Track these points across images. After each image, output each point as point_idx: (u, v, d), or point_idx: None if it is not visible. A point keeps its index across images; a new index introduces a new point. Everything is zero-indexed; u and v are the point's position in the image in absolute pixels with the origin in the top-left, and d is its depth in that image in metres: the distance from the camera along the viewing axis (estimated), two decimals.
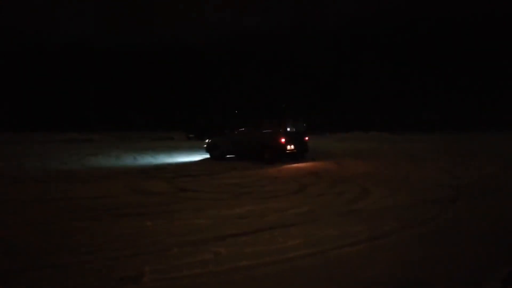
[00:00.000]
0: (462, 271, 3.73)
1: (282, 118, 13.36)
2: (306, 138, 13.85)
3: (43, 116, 36.23)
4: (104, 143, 23.69)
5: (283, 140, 12.68)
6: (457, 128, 27.34)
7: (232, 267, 3.80)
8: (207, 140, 14.66)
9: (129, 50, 42.06)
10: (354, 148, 17.48)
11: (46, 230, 5.11)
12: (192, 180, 9.40)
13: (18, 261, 4.00)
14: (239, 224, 5.30)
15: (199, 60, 42.43)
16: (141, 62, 41.35)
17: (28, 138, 26.28)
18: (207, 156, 14.53)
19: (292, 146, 12.81)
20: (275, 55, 40.24)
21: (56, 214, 6.00)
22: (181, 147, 20.36)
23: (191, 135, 29.38)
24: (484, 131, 28.34)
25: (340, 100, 36.27)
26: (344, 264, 3.87)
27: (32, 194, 7.70)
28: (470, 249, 4.33)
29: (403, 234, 4.86)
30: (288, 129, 13.04)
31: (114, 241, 4.62)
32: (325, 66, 37.38)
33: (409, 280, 3.52)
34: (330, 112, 36.52)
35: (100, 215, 5.92)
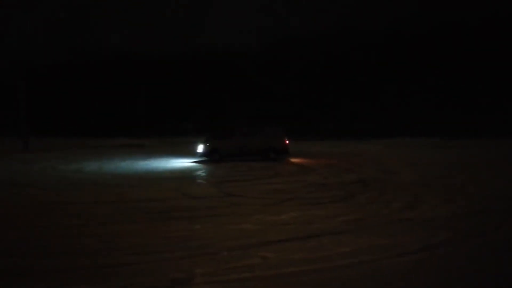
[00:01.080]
0: None
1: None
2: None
3: (96, 122, 38.23)
4: (154, 148, 24.57)
5: (287, 141, 15.51)
6: (503, 134, 25.50)
7: (280, 272, 3.82)
8: (202, 145, 15.47)
9: (176, 57, 43.43)
10: (405, 155, 16.92)
11: (102, 232, 5.38)
12: (237, 185, 9.51)
13: (77, 260, 4.25)
14: (286, 230, 5.31)
15: (242, 65, 42.84)
16: (187, 69, 42.49)
17: (82, 144, 27.86)
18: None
19: None
20: (316, 58, 39.74)
21: (111, 216, 6.31)
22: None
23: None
24: None
25: (386, 104, 35.15)
26: (394, 275, 3.76)
27: (90, 196, 8.17)
28: None
29: (458, 245, 4.64)
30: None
31: (165, 243, 4.79)
32: (368, 68, 36.43)
33: None
34: (370, 116, 35.46)
35: (152, 218, 6.16)
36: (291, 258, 4.19)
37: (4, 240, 5.08)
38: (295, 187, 9.09)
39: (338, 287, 3.52)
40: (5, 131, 36.60)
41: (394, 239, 4.83)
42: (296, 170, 12.41)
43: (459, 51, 32.06)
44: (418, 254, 4.33)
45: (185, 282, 3.64)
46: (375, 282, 3.62)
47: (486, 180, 9.87)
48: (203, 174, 11.85)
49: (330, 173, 11.59)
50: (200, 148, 15.52)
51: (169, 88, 41.31)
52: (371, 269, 3.89)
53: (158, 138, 33.02)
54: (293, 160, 15.83)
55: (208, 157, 15.29)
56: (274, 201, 7.33)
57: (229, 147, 15.31)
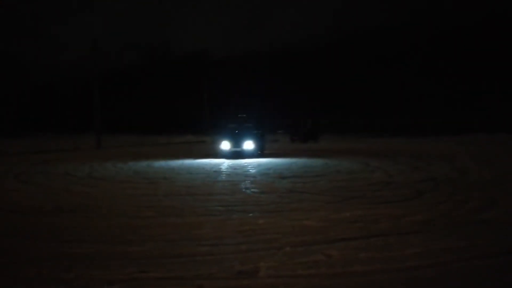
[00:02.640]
0: None
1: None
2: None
3: (165, 120, 40.23)
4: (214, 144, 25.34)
5: None
6: None
7: (345, 271, 3.78)
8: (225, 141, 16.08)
9: (244, 56, 44.34)
10: (479, 153, 15.82)
11: (173, 223, 5.69)
12: (298, 181, 9.51)
13: (153, 249, 4.53)
14: (350, 228, 5.23)
15: (306, 60, 42.52)
16: (252, 67, 43.10)
17: (152, 140, 29.43)
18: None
19: None
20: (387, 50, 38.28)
21: (182, 209, 6.64)
22: (286, 149, 20.72)
23: (294, 137, 29.70)
24: None
25: (459, 100, 32.97)
26: (469, 279, 3.56)
27: (162, 189, 8.67)
28: None
29: None
30: None
31: (231, 236, 4.96)
32: (439, 64, 34.43)
33: None
34: (441, 113, 33.40)
35: (219, 211, 6.39)
36: (356, 257, 4.12)
37: (82, 228, 5.54)
38: (359, 185, 8.89)
39: None
40: (80, 129, 39.79)
41: (468, 241, 4.56)
42: (359, 168, 12.13)
43: None
44: (500, 257, 4.05)
45: (251, 274, 3.74)
46: (449, 286, 3.45)
47: None
48: (261, 170, 11.99)
49: (396, 170, 11.17)
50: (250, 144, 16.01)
51: (233, 87, 42.23)
52: (442, 272, 3.72)
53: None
54: (355, 157, 15.49)
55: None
56: (338, 199, 7.24)
57: None
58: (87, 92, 27.34)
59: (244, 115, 20.17)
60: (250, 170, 11.95)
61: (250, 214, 6.13)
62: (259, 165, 13.56)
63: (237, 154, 15.98)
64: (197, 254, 4.31)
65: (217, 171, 11.99)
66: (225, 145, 16.09)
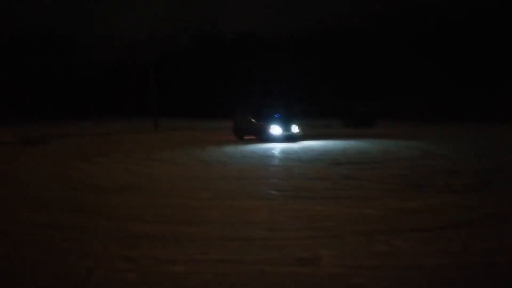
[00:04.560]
0: None
1: None
2: None
3: (218, 103, 40.77)
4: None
5: None
6: None
7: (413, 264, 3.56)
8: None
9: (294, 36, 43.70)
10: None
11: (229, 206, 5.70)
12: (353, 168, 9.20)
13: (212, 230, 4.56)
14: (415, 218, 4.94)
15: (356, 41, 40.98)
16: (301, 48, 42.36)
17: (205, 124, 30.00)
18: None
19: None
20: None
21: (237, 191, 6.66)
22: (339, 135, 20.23)
23: (348, 123, 28.89)
24: None
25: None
26: None
27: (217, 172, 8.78)
28: None
29: None
30: None
31: (290, 221, 4.87)
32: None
33: None
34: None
35: (275, 195, 6.33)
36: (424, 249, 3.87)
37: (143, 207, 5.71)
38: (421, 172, 8.42)
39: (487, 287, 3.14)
40: (137, 112, 41.38)
41: None
42: (419, 154, 11.52)
43: None
44: None
45: (312, 262, 3.64)
46: None
47: None
48: (314, 155, 11.74)
49: (460, 158, 10.48)
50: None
51: (282, 69, 41.74)
52: None
53: None
54: (413, 143, 14.76)
55: None
56: (398, 187, 6.89)
57: None
58: (143, 76, 28.25)
59: (272, 99, 20.49)
60: (303, 155, 11.76)
61: (307, 201, 6.00)
62: (311, 150, 13.33)
63: (287, 138, 15.92)
64: (255, 238, 4.28)
65: (269, 156, 11.93)
66: (276, 129, 16.00)
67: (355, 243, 4.08)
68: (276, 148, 13.98)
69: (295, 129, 16.54)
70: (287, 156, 11.62)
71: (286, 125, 16.31)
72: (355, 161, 10.34)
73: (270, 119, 16.50)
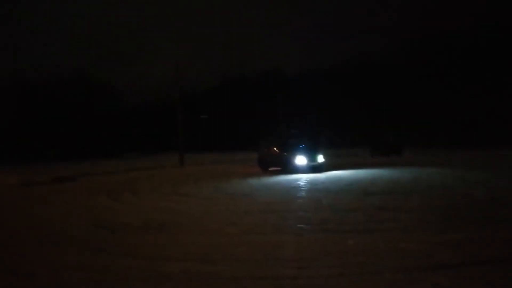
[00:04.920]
0: None
1: None
2: None
3: (244, 138, 41.17)
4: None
5: None
6: None
7: None
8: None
9: (318, 71, 44.32)
10: None
11: (256, 241, 5.46)
12: (385, 198, 8.80)
13: (239, 269, 4.33)
14: (457, 252, 4.55)
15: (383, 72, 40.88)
16: (325, 82, 42.65)
17: (231, 157, 30.05)
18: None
19: None
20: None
21: (263, 226, 6.42)
22: (367, 164, 19.72)
23: (375, 152, 28.27)
24: None
25: None
26: None
27: (243, 206, 8.59)
28: None
29: None
30: None
31: (320, 258, 4.59)
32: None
33: None
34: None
35: (304, 229, 6.06)
36: None
37: (168, 245, 5.54)
38: (459, 202, 7.95)
39: None
40: (165, 149, 42.15)
41: None
42: (455, 183, 10.97)
43: None
44: None
45: None
46: None
47: None
48: (342, 185, 11.38)
49: (498, 186, 9.90)
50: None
51: (306, 104, 41.93)
52: None
53: None
54: (446, 170, 14.16)
55: None
56: (438, 218, 6.48)
57: None
58: (170, 113, 28.93)
59: (297, 130, 20.39)
60: (330, 186, 11.42)
61: (338, 234, 5.69)
62: (339, 179, 12.97)
63: (312, 168, 15.70)
64: (285, 277, 4.02)
65: (295, 187, 11.66)
66: (301, 160, 15.79)
67: (394, 281, 3.76)
68: (302, 179, 13.70)
69: (320, 159, 16.33)
70: (314, 187, 11.32)
71: (311, 155, 16.12)
72: (386, 191, 9.93)
73: (295, 150, 16.35)
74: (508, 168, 14.53)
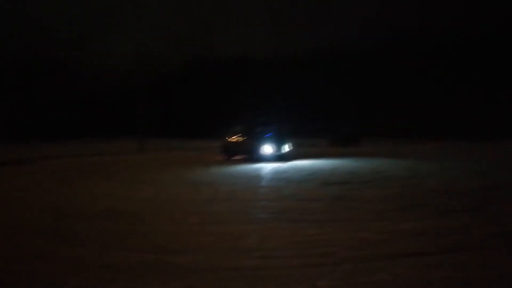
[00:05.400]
0: None
1: None
2: None
3: (207, 124, 40.69)
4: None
5: None
6: None
7: None
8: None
9: (285, 59, 44.33)
10: None
11: (219, 231, 5.37)
12: (344, 188, 8.98)
13: (200, 260, 4.23)
14: (414, 242, 4.69)
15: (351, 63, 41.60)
16: (292, 70, 42.84)
17: (193, 144, 29.63)
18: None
19: None
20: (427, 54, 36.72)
21: (225, 215, 6.34)
22: (327, 154, 20.10)
23: (334, 142, 28.91)
24: None
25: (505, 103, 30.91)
26: None
27: (204, 194, 8.44)
28: None
29: None
30: None
31: (283, 248, 4.57)
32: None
33: None
34: (491, 117, 31.49)
35: (266, 219, 6.04)
36: (428, 277, 3.62)
37: (124, 235, 5.35)
38: (414, 192, 8.24)
39: None
40: (124, 134, 40.93)
41: None
42: (409, 174, 11.39)
43: None
44: None
45: None
46: None
47: None
48: (303, 175, 11.51)
49: (450, 177, 10.38)
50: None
51: (274, 90, 42.01)
52: None
53: None
54: (401, 161, 14.68)
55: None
56: (393, 208, 6.66)
57: None
58: (132, 97, 27.96)
59: (264, 118, 20.10)
60: (292, 175, 11.52)
61: (299, 224, 5.72)
62: (300, 169, 13.10)
63: (278, 157, 15.73)
64: (247, 268, 3.96)
65: (258, 176, 11.66)
66: (268, 148, 15.74)
67: (354, 272, 3.81)
68: (265, 168, 13.73)
69: (287, 148, 16.35)
70: (276, 176, 11.37)
71: (278, 144, 16.09)
72: (345, 181, 10.13)
73: (262, 138, 16.25)
74: (461, 159, 15.28)
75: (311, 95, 41.23)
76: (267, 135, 16.62)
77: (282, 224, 5.70)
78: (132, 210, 6.95)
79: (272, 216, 6.20)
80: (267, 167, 13.86)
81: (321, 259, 4.17)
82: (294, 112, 38.15)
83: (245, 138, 16.84)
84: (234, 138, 17.47)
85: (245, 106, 38.00)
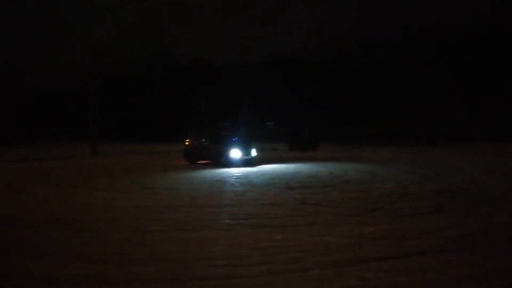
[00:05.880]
0: None
1: None
2: None
3: (165, 128, 39.78)
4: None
5: None
6: None
7: None
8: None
9: (246, 64, 44.33)
10: (485, 163, 15.44)
11: (182, 239, 5.17)
12: (307, 192, 9.02)
13: (164, 270, 4.02)
14: (380, 245, 4.75)
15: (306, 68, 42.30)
16: (252, 75, 42.92)
17: (150, 148, 28.83)
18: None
19: None
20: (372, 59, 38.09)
21: (188, 222, 6.12)
22: (288, 158, 20.24)
23: (293, 146, 29.23)
24: None
25: (459, 109, 32.69)
26: None
27: (165, 200, 8.13)
28: None
29: None
30: None
31: (249, 255, 4.46)
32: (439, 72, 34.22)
33: None
34: (444, 122, 33.19)
35: (230, 225, 5.89)
36: (395, 281, 3.64)
37: (82, 244, 5.02)
38: (373, 196, 8.42)
39: None
40: (78, 137, 39.14)
41: None
42: (368, 178, 11.66)
43: None
44: None
45: None
46: None
47: None
48: (265, 179, 11.48)
49: (407, 181, 10.73)
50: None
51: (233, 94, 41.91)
52: None
53: None
54: (359, 166, 15.04)
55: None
56: (355, 212, 6.75)
57: None
58: (85, 100, 26.69)
59: (228, 123, 19.68)
60: (254, 180, 11.44)
61: (265, 229, 5.63)
62: (262, 174, 13.06)
63: (245, 162, 15.46)
64: (213, 277, 3.81)
65: (219, 181, 11.46)
66: (236, 153, 15.44)
67: (323, 277, 3.76)
68: (228, 172, 13.54)
69: (253, 152, 16.17)
70: (238, 181, 11.22)
71: (245, 149, 15.82)
72: (307, 185, 10.20)
73: (229, 143, 15.93)
74: (417, 163, 15.88)
75: (273, 100, 41.51)
76: (234, 139, 16.36)
77: (247, 230, 5.58)
78: (87, 217, 6.56)
79: (236, 222, 6.06)
80: (229, 172, 13.69)
81: (288, 266, 4.10)
82: (256, 116, 38.25)
83: (210, 142, 16.42)
84: (198, 142, 17.02)
85: (205, 110, 37.54)
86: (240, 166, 15.09)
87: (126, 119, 43.62)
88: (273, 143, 34.41)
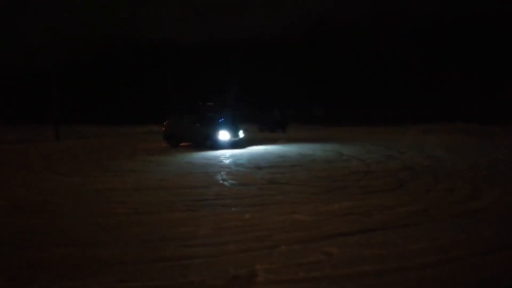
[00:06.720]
0: None
1: None
2: None
3: (130, 110, 38.77)
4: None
5: None
6: None
7: (351, 272, 3.43)
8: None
9: (215, 44, 43.45)
10: (446, 142, 16.09)
11: (149, 221, 5.13)
12: (276, 172, 9.13)
13: (131, 252, 3.99)
14: (345, 221, 4.90)
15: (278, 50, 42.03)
16: (222, 55, 42.24)
17: (115, 131, 28.12)
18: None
19: None
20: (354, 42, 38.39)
21: (156, 204, 6.07)
22: (257, 139, 20.31)
23: (263, 127, 29.35)
24: None
25: (422, 89, 33.66)
26: (486, 275, 3.30)
27: (131, 183, 7.98)
28: None
29: None
30: None
31: (218, 234, 4.49)
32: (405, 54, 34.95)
33: None
34: (406, 102, 34.15)
35: (198, 206, 5.89)
36: (359, 255, 3.79)
37: (44, 230, 4.89)
38: (339, 174, 8.62)
39: None
40: (40, 120, 37.60)
41: (472, 233, 4.34)
42: (334, 157, 11.91)
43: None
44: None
45: (248, 279, 3.31)
46: (468, 283, 3.18)
47: None
48: (234, 160, 11.51)
49: (371, 159, 11.04)
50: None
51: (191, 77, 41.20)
52: (457, 268, 3.44)
53: None
54: (325, 146, 15.32)
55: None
56: (322, 190, 6.91)
57: None
58: (47, 82, 25.47)
59: (212, 104, 18.95)
60: (224, 161, 11.43)
61: (233, 209, 5.68)
62: (231, 155, 13.06)
63: (233, 144, 15.15)
64: (182, 257, 3.82)
65: (188, 162, 11.37)
66: (224, 135, 15.09)
67: (290, 253, 3.86)
68: (200, 154, 13.44)
69: (241, 134, 15.90)
70: (208, 162, 11.19)
71: (233, 130, 15.41)
72: (275, 165, 10.30)
73: (216, 124, 15.47)
74: (382, 143, 16.33)
75: (245, 81, 41.15)
76: (220, 121, 15.85)
77: (216, 210, 5.61)
78: (52, 202, 6.38)
79: (205, 203, 6.07)
80: (202, 154, 13.59)
81: (257, 243, 4.17)
82: (227, 98, 37.86)
83: (195, 123, 15.83)
84: (180, 124, 16.36)
85: (174, 91, 36.80)
86: (228, 148, 14.79)
87: (92, 102, 42.23)
88: (243, 124, 34.33)
